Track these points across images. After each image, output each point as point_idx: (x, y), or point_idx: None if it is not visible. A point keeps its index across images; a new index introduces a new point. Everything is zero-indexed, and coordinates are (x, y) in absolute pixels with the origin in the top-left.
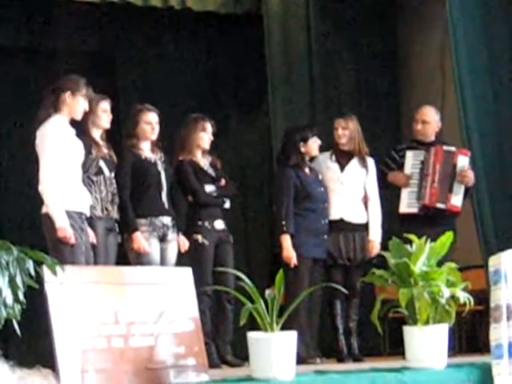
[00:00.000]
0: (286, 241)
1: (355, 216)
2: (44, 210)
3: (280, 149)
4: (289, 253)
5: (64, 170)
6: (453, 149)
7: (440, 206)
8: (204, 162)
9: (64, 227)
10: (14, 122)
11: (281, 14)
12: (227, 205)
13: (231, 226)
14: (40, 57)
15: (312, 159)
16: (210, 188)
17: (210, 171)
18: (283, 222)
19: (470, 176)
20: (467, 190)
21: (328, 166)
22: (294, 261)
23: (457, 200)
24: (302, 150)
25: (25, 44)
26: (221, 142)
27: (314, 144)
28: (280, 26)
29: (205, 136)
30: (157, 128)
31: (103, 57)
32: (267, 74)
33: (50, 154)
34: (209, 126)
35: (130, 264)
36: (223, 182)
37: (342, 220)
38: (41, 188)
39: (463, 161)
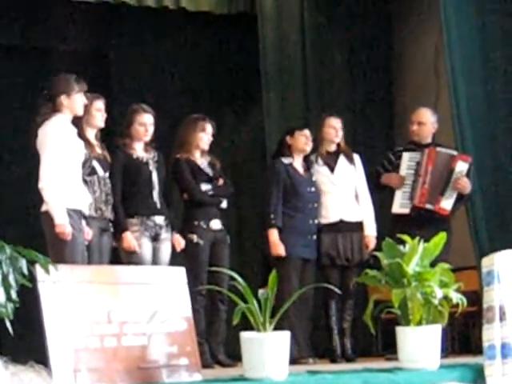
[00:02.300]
0: (273, 235)
1: (353, 215)
2: (44, 207)
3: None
4: (276, 246)
5: (64, 168)
6: (454, 153)
7: (429, 206)
8: (202, 161)
9: (63, 224)
10: (9, 120)
11: (275, 14)
12: (224, 204)
13: (224, 225)
14: (34, 56)
15: (306, 158)
16: (205, 187)
17: (208, 170)
18: (271, 216)
19: (464, 183)
20: (462, 197)
21: (317, 170)
22: (282, 253)
23: (446, 204)
24: (289, 142)
25: (19, 43)
26: (214, 141)
27: (300, 136)
28: (274, 26)
29: (204, 136)
30: (151, 129)
31: (98, 56)
32: (261, 74)
33: (50, 152)
34: (209, 127)
35: (122, 264)
36: (221, 181)
37: (341, 221)
38: (41, 185)
39: (462, 166)
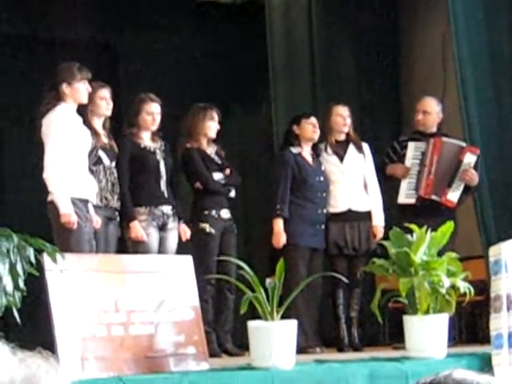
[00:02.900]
0: (278, 224)
1: (361, 204)
2: (49, 197)
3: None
4: (279, 236)
5: (69, 157)
6: (462, 144)
7: (435, 198)
8: (210, 150)
9: (68, 213)
10: (15, 110)
11: (282, 4)
12: (232, 194)
13: (232, 214)
14: (41, 46)
15: (314, 147)
16: (217, 176)
17: (217, 159)
18: (278, 206)
19: (472, 175)
20: (469, 188)
21: (326, 159)
22: (281, 245)
23: (453, 196)
24: (297, 132)
25: (25, 32)
26: (222, 131)
27: (306, 125)
28: (282, 16)
29: (212, 125)
30: (158, 118)
31: (105, 46)
32: (269, 64)
33: (54, 141)
34: (215, 115)
35: (129, 253)
36: (228, 171)
37: (349, 210)
38: (45, 175)
39: (470, 158)
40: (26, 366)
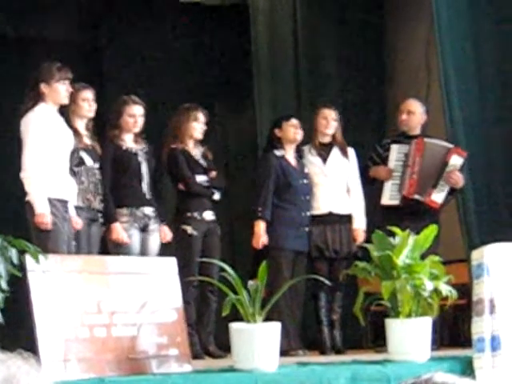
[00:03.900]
0: (259, 226)
1: (342, 207)
2: (27, 197)
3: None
4: (258, 238)
5: (48, 157)
6: (450, 146)
7: (418, 198)
8: (196, 151)
9: (43, 213)
10: None
11: (266, 6)
12: (216, 196)
13: (216, 216)
14: (24, 45)
15: (299, 148)
16: (201, 178)
17: (202, 161)
18: (259, 208)
19: (457, 178)
20: (454, 190)
21: (310, 160)
22: (260, 246)
23: (438, 197)
24: (279, 135)
25: (7, 32)
26: (206, 133)
27: (288, 127)
28: (266, 17)
29: (197, 126)
30: (140, 121)
31: (90, 47)
32: (253, 65)
33: (33, 141)
34: (201, 116)
35: (110, 254)
36: (213, 173)
37: (330, 213)
38: (22, 175)
39: (456, 160)
40: (6, 367)
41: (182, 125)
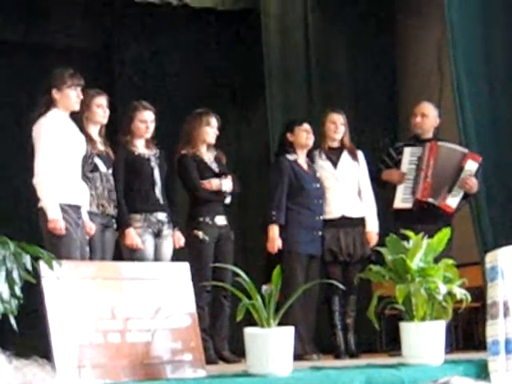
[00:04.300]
0: (273, 230)
1: (355, 210)
2: (39, 204)
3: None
4: (273, 242)
5: (60, 163)
6: (465, 150)
7: (432, 201)
8: (208, 156)
9: (56, 219)
10: (9, 117)
11: (278, 10)
12: (227, 200)
13: (228, 221)
14: (36, 52)
15: (309, 153)
16: (213, 183)
17: (214, 166)
18: (273, 212)
19: (472, 184)
20: (468, 195)
21: (320, 164)
22: (275, 250)
23: (452, 201)
24: (291, 139)
25: (20, 39)
26: (219, 137)
27: (300, 132)
28: (277, 22)
29: (210, 130)
30: (151, 126)
31: (100, 53)
32: (264, 69)
33: (45, 147)
34: (214, 121)
35: (124, 260)
36: (228, 178)
37: (343, 216)
38: (35, 181)
39: (471, 165)
40: (22, 374)
41: (195, 130)
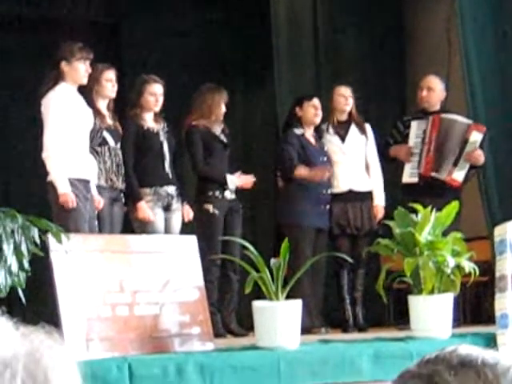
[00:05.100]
0: (300, 171)
1: (362, 184)
2: (49, 178)
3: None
4: (316, 173)
5: (69, 137)
6: (469, 122)
7: (436, 175)
8: (216, 128)
9: (66, 193)
10: (18, 91)
11: None
12: (231, 186)
13: (237, 195)
14: (44, 26)
15: (317, 128)
16: (231, 178)
17: (222, 137)
18: (288, 166)
19: (478, 156)
20: (475, 167)
21: (328, 139)
22: (325, 174)
23: (459, 175)
24: (299, 114)
25: (27, 13)
26: (227, 114)
27: (309, 107)
28: None
29: (223, 107)
30: (160, 99)
31: (109, 26)
32: (273, 44)
33: (53, 121)
34: (225, 95)
35: (135, 233)
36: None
37: (350, 191)
38: (44, 155)
39: (476, 136)
40: (29, 340)
41: (211, 104)
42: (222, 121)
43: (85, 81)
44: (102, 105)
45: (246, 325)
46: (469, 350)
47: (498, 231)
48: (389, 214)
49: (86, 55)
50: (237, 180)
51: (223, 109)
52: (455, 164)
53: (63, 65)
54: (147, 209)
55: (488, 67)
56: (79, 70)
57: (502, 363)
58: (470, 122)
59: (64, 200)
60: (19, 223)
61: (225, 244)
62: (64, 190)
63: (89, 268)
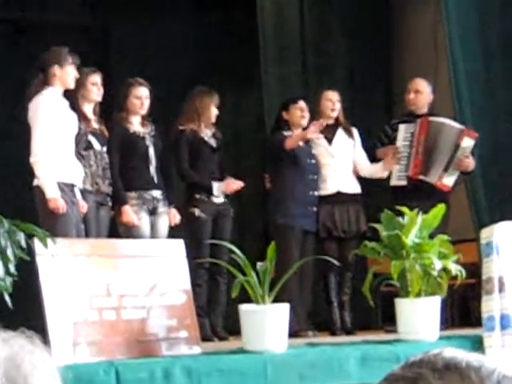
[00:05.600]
0: (289, 139)
1: (350, 186)
2: (35, 182)
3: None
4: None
5: (56, 142)
6: (460, 127)
7: (424, 178)
8: (206, 132)
9: (55, 198)
10: (5, 95)
11: None
12: (216, 192)
13: (227, 198)
14: (30, 29)
15: (305, 130)
16: (217, 185)
17: (212, 141)
18: (280, 141)
19: (468, 164)
20: (464, 173)
21: (315, 142)
22: (309, 134)
23: (449, 180)
24: (286, 117)
25: (15, 16)
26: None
27: (295, 110)
28: (273, 0)
29: (215, 110)
30: (146, 102)
31: (97, 30)
32: (260, 48)
33: (42, 125)
34: (216, 98)
35: (121, 238)
36: (236, 183)
37: (338, 192)
38: (32, 160)
39: (468, 142)
40: (9, 346)
41: (201, 108)
42: (212, 124)
43: (73, 85)
44: (88, 109)
45: (235, 328)
46: (453, 352)
47: (485, 234)
48: (376, 217)
49: (75, 60)
50: (224, 187)
51: (214, 112)
52: (445, 169)
53: (56, 68)
54: (132, 213)
55: (475, 71)
56: (70, 74)
57: (487, 366)
58: (461, 127)
59: (54, 205)
60: (5, 227)
61: (213, 247)
62: (53, 194)
63: (75, 272)
